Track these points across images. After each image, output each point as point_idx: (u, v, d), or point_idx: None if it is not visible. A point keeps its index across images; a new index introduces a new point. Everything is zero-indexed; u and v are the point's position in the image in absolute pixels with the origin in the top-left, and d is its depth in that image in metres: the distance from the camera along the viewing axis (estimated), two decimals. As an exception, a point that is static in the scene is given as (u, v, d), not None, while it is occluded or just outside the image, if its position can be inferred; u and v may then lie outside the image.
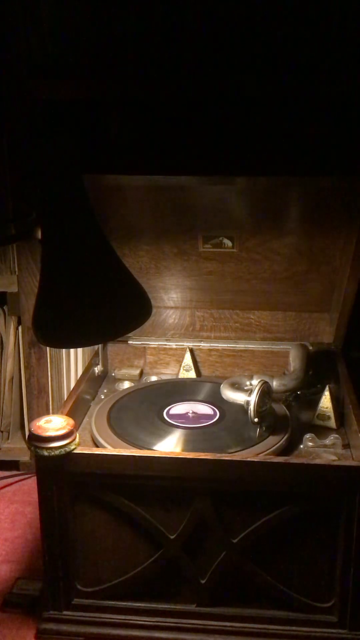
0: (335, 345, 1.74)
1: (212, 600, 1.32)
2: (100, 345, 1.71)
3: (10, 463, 2.06)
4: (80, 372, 1.94)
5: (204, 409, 1.53)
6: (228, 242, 1.64)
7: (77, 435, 1.27)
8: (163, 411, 1.51)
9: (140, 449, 1.32)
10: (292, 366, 1.62)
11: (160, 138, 1.73)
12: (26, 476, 2.01)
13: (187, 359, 1.74)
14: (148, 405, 1.54)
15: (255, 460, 1.25)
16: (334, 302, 1.70)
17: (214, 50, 1.63)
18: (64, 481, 1.27)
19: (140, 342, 1.78)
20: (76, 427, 1.28)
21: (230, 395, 1.47)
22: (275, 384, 1.51)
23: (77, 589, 1.35)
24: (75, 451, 1.25)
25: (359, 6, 1.55)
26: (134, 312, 1.46)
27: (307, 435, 1.42)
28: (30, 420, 1.97)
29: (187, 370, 1.75)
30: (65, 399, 1.67)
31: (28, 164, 1.77)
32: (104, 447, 1.36)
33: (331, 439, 1.41)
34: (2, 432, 2.07)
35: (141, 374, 1.77)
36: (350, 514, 1.24)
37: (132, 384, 1.71)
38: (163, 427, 1.44)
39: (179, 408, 1.53)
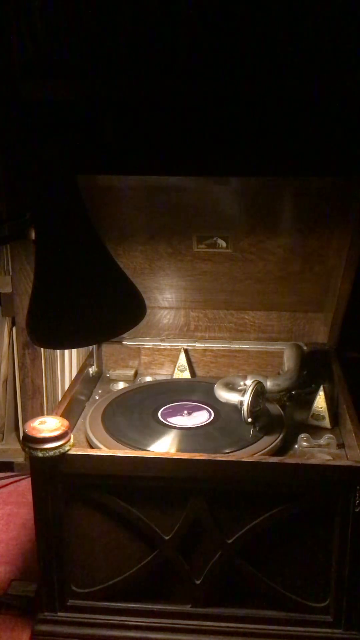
0: (329, 345, 1.74)
1: (207, 600, 1.32)
2: (94, 345, 1.70)
3: (5, 464, 2.05)
4: (74, 373, 1.94)
5: (199, 409, 1.53)
6: (222, 242, 1.64)
7: (72, 436, 1.27)
8: (158, 412, 1.51)
9: (135, 450, 1.32)
10: (287, 366, 1.62)
11: (154, 138, 1.72)
12: (21, 477, 2.01)
13: (182, 360, 1.74)
14: (143, 406, 1.54)
15: (250, 460, 1.25)
16: (328, 302, 1.70)
17: (207, 51, 1.63)
18: (58, 482, 1.27)
19: (134, 343, 1.77)
20: (71, 428, 1.28)
21: (224, 395, 1.47)
22: (269, 384, 1.51)
23: (71, 590, 1.34)
24: (69, 452, 1.25)
25: (354, 6, 1.56)
26: (128, 312, 1.46)
27: (302, 435, 1.42)
28: (25, 421, 1.96)
29: (181, 371, 1.75)
30: (59, 399, 1.67)
31: (21, 165, 1.76)
32: (98, 448, 1.36)
33: (326, 438, 1.41)
34: (-4, 433, 2.07)
35: (136, 374, 1.77)
36: (345, 514, 1.24)
37: (127, 385, 1.71)
38: (158, 428, 1.44)
39: (173, 408, 1.53)
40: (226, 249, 1.65)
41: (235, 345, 1.76)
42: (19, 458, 2.04)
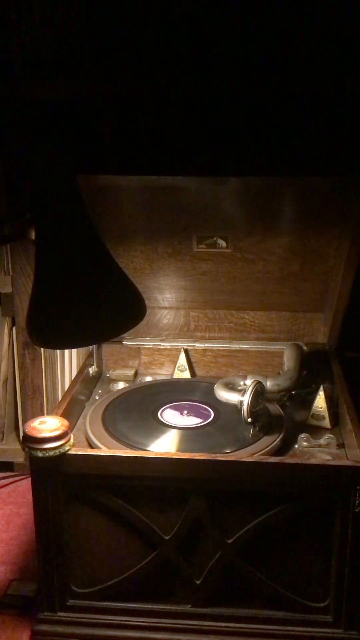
0: (329, 345, 1.74)
1: (207, 600, 1.32)
2: (94, 345, 1.70)
3: (5, 464, 2.05)
4: (74, 373, 1.94)
5: (199, 409, 1.53)
6: (222, 243, 1.64)
7: (72, 436, 1.27)
8: (157, 411, 1.51)
9: (135, 450, 1.32)
10: (287, 366, 1.62)
11: (155, 138, 1.72)
12: (21, 477, 2.01)
13: (182, 359, 1.74)
14: (143, 406, 1.54)
15: (250, 460, 1.25)
16: (328, 302, 1.70)
17: (208, 51, 1.63)
18: (58, 482, 1.27)
19: (134, 343, 1.77)
20: (71, 428, 1.28)
21: (224, 395, 1.47)
22: (269, 384, 1.51)
23: (71, 590, 1.34)
24: (69, 452, 1.25)
25: (352, 7, 1.56)
26: (129, 312, 1.46)
27: (302, 435, 1.42)
28: (25, 421, 1.96)
29: (181, 371, 1.75)
30: (59, 399, 1.67)
31: (21, 165, 1.77)
32: (98, 447, 1.36)
33: (325, 438, 1.41)
34: (-4, 433, 2.07)
35: (136, 374, 1.77)
36: (344, 514, 1.24)
37: (127, 385, 1.71)
38: (158, 428, 1.44)
39: (173, 408, 1.53)
40: (226, 249, 1.65)
41: (235, 345, 1.76)
42: (19, 458, 2.04)
